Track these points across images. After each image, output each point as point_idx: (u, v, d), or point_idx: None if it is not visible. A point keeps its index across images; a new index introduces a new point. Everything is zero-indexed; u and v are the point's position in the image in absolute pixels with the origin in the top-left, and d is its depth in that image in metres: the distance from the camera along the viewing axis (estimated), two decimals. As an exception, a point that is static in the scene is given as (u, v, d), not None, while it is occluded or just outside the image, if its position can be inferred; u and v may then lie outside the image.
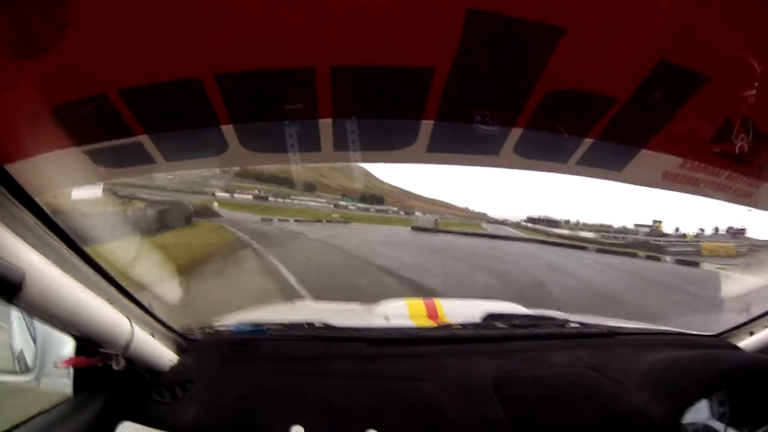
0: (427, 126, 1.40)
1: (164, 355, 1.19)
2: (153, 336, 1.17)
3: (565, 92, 1.29)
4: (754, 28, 1.09)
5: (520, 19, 1.09)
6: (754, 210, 1.70)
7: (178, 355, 1.26)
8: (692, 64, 1.20)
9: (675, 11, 1.05)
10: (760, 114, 1.34)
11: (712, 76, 1.22)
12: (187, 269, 7.51)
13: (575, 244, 23.39)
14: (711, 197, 1.61)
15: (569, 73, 1.23)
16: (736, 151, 1.44)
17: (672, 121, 1.39)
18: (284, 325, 1.50)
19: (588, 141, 1.47)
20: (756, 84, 1.22)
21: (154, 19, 0.96)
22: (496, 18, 1.08)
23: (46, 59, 0.91)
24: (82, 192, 1.25)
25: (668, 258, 19.15)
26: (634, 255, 19.75)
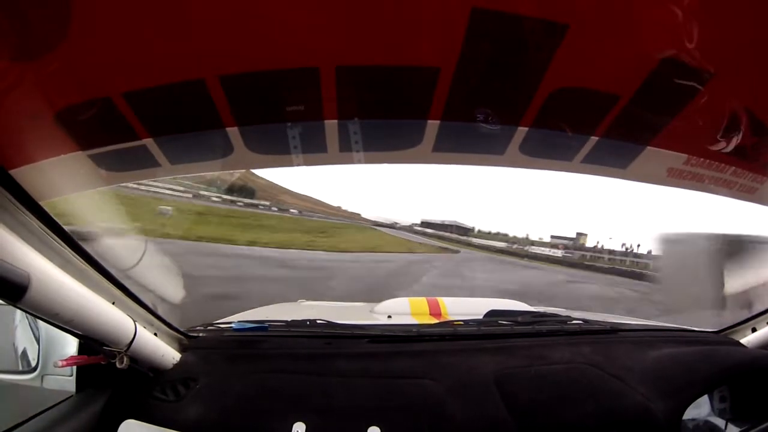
0: (433, 126, 1.38)
1: (167, 353, 1.20)
2: (156, 335, 1.17)
3: (569, 90, 1.27)
4: (758, 24, 1.08)
5: (524, 17, 1.08)
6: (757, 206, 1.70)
7: (181, 353, 1.26)
8: (696, 60, 1.18)
9: (676, 7, 1.04)
10: (765, 110, 1.33)
11: (717, 73, 1.21)
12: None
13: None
14: (715, 193, 1.60)
15: (573, 71, 1.22)
16: (742, 147, 1.44)
17: (677, 118, 1.38)
18: (286, 323, 1.50)
19: (593, 139, 1.46)
20: (762, 80, 1.22)
21: (157, 20, 0.95)
22: (500, 16, 1.07)
23: (48, 60, 0.90)
24: (85, 196, 1.25)
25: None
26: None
